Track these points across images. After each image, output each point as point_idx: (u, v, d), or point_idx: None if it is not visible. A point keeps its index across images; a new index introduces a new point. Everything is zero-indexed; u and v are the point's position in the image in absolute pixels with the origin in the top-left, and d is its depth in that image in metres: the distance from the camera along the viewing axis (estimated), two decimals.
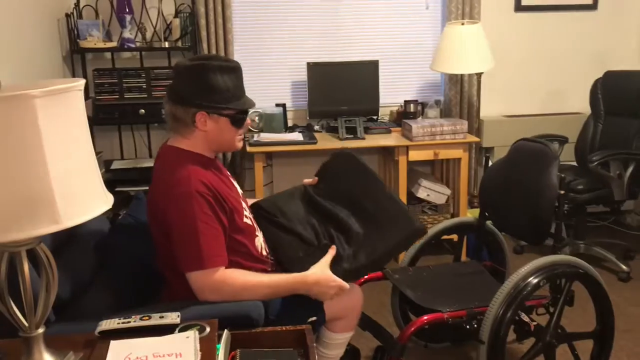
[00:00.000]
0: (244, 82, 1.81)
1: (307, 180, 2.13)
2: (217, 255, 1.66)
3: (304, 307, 1.80)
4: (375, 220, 1.93)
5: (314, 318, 1.81)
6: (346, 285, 1.78)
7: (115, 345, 1.34)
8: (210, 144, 1.78)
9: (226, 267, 1.69)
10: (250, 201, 2.04)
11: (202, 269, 1.64)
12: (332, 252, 1.83)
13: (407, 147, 3.45)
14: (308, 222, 1.95)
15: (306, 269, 1.77)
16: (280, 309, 1.80)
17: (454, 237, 2.85)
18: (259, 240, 1.88)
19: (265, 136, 3.51)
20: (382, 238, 1.88)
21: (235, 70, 1.76)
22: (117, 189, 3.37)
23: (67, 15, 3.39)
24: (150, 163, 3.58)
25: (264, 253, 1.89)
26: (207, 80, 1.70)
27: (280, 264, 1.91)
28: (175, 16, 3.60)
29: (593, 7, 4.10)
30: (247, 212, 1.86)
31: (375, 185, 2.03)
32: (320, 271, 1.77)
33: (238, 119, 1.77)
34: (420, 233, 1.99)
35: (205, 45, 3.60)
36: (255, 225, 1.90)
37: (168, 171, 1.72)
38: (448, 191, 3.73)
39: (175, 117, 1.74)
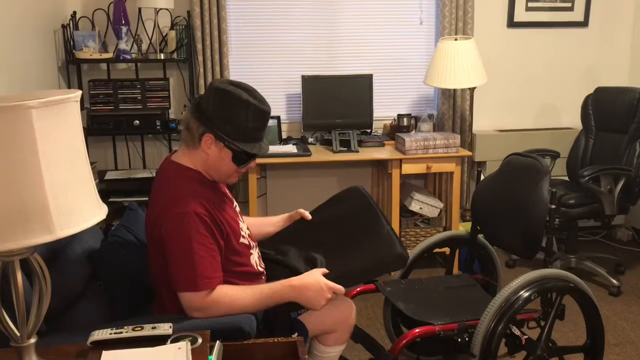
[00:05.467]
0: None
1: (302, 212, 2.11)
2: (211, 277, 1.66)
3: (282, 324, 1.80)
4: (361, 242, 1.94)
5: (296, 334, 1.80)
6: (341, 288, 1.75)
7: (107, 356, 1.35)
8: (208, 169, 1.77)
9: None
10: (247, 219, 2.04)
11: (195, 291, 1.64)
12: (325, 270, 1.81)
13: (401, 161, 3.48)
14: (302, 254, 1.96)
15: None
16: (263, 320, 1.79)
17: (446, 250, 2.86)
18: (254, 258, 1.88)
19: None
20: (362, 254, 1.89)
21: (263, 113, 1.73)
22: (110, 200, 3.37)
23: (63, 27, 3.41)
24: (144, 174, 3.58)
25: (259, 269, 1.89)
26: (230, 110, 1.69)
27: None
28: (171, 28, 3.63)
29: (584, 24, 4.16)
30: (243, 232, 1.86)
31: (374, 217, 2.04)
32: (307, 276, 1.76)
33: (241, 158, 1.75)
34: (401, 261, 1.93)
35: (200, 58, 3.62)
36: (251, 242, 1.90)
37: (167, 188, 1.72)
38: (440, 204, 3.75)
39: (188, 127, 1.74)
